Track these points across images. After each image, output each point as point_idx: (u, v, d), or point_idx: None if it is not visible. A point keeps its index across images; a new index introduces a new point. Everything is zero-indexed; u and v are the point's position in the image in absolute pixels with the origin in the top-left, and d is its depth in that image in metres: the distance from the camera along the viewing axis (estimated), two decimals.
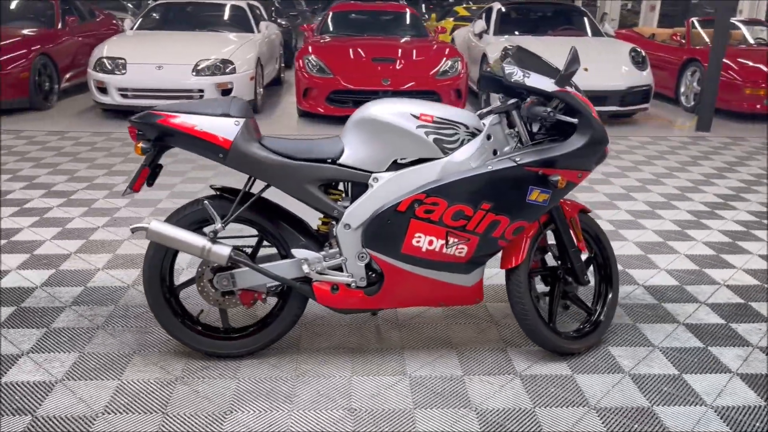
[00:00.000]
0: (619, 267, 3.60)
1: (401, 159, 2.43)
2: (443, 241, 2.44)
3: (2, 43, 7.38)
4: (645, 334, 2.89)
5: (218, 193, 2.53)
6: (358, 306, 2.54)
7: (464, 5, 12.99)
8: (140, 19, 8.74)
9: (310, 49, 7.71)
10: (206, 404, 2.31)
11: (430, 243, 2.44)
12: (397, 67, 7.37)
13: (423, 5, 18.74)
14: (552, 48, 7.43)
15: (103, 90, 7.22)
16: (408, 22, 9.09)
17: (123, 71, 7.14)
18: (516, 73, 2.42)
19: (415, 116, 2.41)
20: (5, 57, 7.25)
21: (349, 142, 2.44)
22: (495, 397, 2.41)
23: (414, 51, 7.74)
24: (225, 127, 2.36)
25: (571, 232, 2.66)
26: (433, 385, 2.47)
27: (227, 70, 7.33)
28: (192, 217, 2.47)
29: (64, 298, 3.05)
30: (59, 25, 8.51)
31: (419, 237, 2.43)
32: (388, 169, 2.44)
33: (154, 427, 2.18)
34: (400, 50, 7.73)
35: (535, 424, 2.26)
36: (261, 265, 2.46)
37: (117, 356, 2.60)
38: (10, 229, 3.90)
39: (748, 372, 2.61)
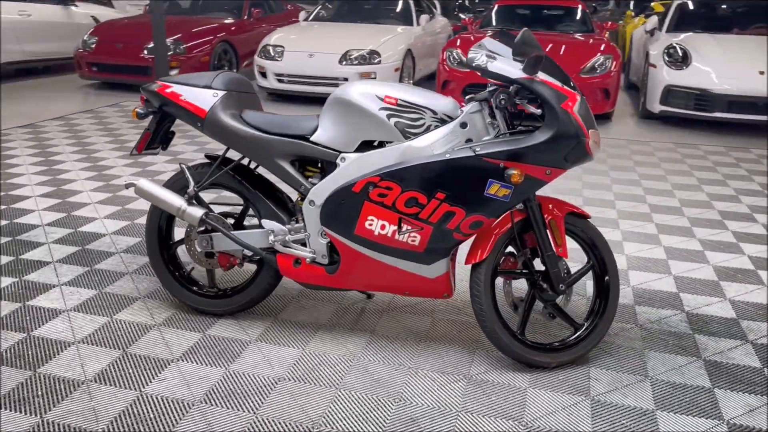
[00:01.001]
0: (673, 289, 3.17)
1: (373, 141, 2.43)
2: (395, 227, 2.40)
3: (191, 31, 8.46)
4: (646, 362, 2.54)
5: (209, 161, 2.73)
6: (319, 282, 2.59)
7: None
8: (315, 12, 9.41)
9: (458, 42, 7.72)
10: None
11: (383, 227, 2.41)
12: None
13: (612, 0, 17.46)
14: (741, 47, 6.68)
15: (263, 74, 7.94)
16: (574, 16, 8.65)
17: (280, 58, 7.79)
18: (479, 58, 2.28)
19: (379, 98, 2.39)
20: (192, 42, 8.30)
21: (323, 120, 2.50)
22: (427, 394, 2.32)
23: (564, 46, 7.37)
24: (204, 98, 2.56)
25: (550, 234, 2.44)
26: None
27: (373, 61, 7.63)
28: (183, 182, 2.71)
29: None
30: (245, 17, 9.49)
31: (372, 220, 2.41)
32: (358, 150, 2.45)
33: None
34: (550, 45, 7.40)
35: (449, 426, 2.14)
36: (233, 233, 2.63)
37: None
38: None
39: (743, 424, 2.19)
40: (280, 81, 7.84)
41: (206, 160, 2.78)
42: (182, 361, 2.46)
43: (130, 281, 3.10)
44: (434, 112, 2.37)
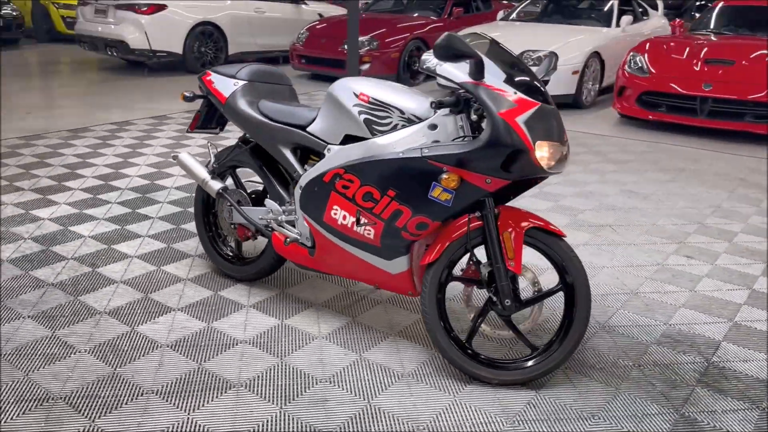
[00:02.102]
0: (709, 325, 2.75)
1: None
2: (354, 219, 2.50)
3: (386, 28, 9.01)
4: (606, 402, 2.30)
5: (240, 143, 3.08)
6: (303, 263, 2.79)
7: None
8: (513, 12, 9.35)
9: (647, 46, 7.11)
10: None
11: (344, 218, 2.53)
12: (730, 72, 6.24)
13: None
14: None
15: None
16: None
17: None
18: (430, 60, 2.27)
19: (355, 94, 2.51)
20: (385, 40, 8.85)
21: (320, 112, 2.69)
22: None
23: None
24: (226, 86, 2.91)
25: (504, 246, 2.33)
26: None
27: None
28: (219, 158, 3.10)
29: None
30: (445, 15, 9.78)
31: (336, 209, 2.55)
32: (342, 143, 2.60)
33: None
34: (752, 52, 6.46)
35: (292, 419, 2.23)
36: (243, 208, 2.95)
37: None
38: None
39: None
40: None
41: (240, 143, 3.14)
42: None
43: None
44: (402, 112, 2.42)
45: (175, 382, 2.36)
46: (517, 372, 2.38)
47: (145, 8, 9.02)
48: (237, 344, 2.62)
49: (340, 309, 2.93)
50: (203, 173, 3.03)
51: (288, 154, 2.78)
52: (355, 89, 2.52)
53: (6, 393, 2.25)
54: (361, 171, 2.45)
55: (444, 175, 2.22)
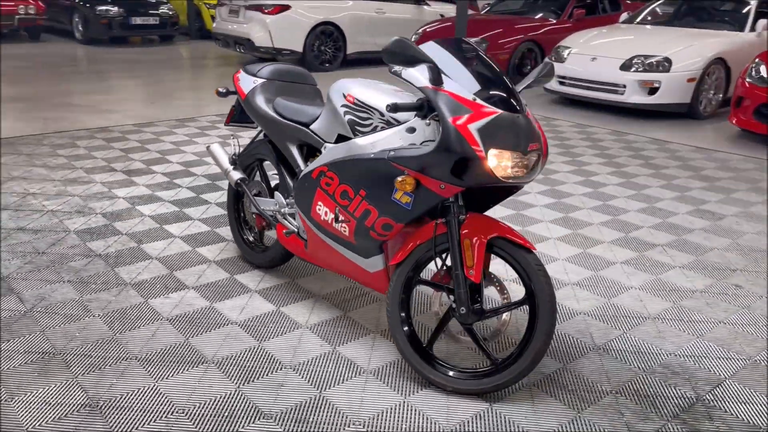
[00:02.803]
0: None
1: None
2: (333, 216, 2.58)
3: (498, 30, 8.88)
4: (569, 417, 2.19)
5: (264, 138, 3.25)
6: (300, 255, 2.92)
7: None
8: (636, 13, 8.81)
9: None
10: None
11: (326, 213, 2.61)
12: None
13: None
14: None
15: None
16: None
17: (565, 60, 7.64)
18: (397, 68, 2.28)
19: (344, 95, 2.58)
20: (496, 41, 8.73)
21: (322, 111, 2.80)
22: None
23: None
24: (247, 83, 3.09)
25: (464, 254, 2.29)
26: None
27: (659, 68, 6.91)
28: (249, 150, 3.30)
29: None
30: (565, 17, 9.43)
31: (320, 205, 2.64)
32: (336, 142, 2.69)
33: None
34: None
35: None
36: (256, 198, 3.12)
37: None
38: None
39: None
40: (561, 83, 7.71)
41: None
42: None
43: None
44: (382, 114, 2.46)
45: (157, 352, 2.58)
46: (471, 382, 2.34)
47: (270, 9, 9.61)
48: (227, 325, 2.80)
49: (338, 303, 3.01)
50: (226, 164, 3.25)
51: (294, 150, 2.91)
52: (344, 90, 2.59)
53: (18, 344, 2.60)
54: (340, 169, 2.52)
55: (399, 178, 2.24)
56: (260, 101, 3.04)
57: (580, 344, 2.71)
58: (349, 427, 2.18)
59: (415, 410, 2.27)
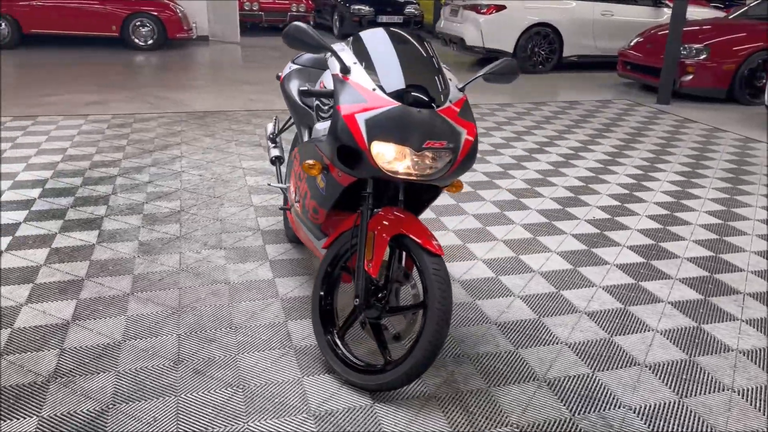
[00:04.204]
0: None
1: None
2: (295, 194, 2.70)
3: (727, 37, 7.74)
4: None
5: None
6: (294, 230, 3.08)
7: None
8: None
9: None
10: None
11: (294, 192, 2.74)
12: None
13: None
14: None
15: None
16: None
17: None
18: (328, 54, 2.30)
19: (321, 81, 2.67)
20: (724, 49, 7.64)
21: None
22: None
23: None
24: (287, 69, 3.31)
25: (366, 246, 2.24)
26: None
27: None
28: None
29: None
30: None
31: (290, 184, 2.77)
32: None
33: None
34: None
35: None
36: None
37: None
38: None
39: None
40: None
41: None
42: None
43: None
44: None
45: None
46: (359, 376, 2.29)
47: (486, 9, 9.66)
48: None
49: None
50: (268, 141, 3.54)
51: (305, 133, 3.08)
52: (322, 77, 2.69)
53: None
54: (300, 152, 2.64)
55: (307, 161, 2.29)
56: (290, 86, 3.26)
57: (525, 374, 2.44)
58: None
59: (300, 389, 2.31)
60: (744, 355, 2.62)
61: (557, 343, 2.64)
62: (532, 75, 9.70)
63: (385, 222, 2.25)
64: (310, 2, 14.70)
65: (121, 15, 10.76)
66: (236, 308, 2.81)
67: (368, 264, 2.24)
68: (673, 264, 3.41)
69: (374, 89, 2.11)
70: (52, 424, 2.07)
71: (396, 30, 2.41)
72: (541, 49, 9.81)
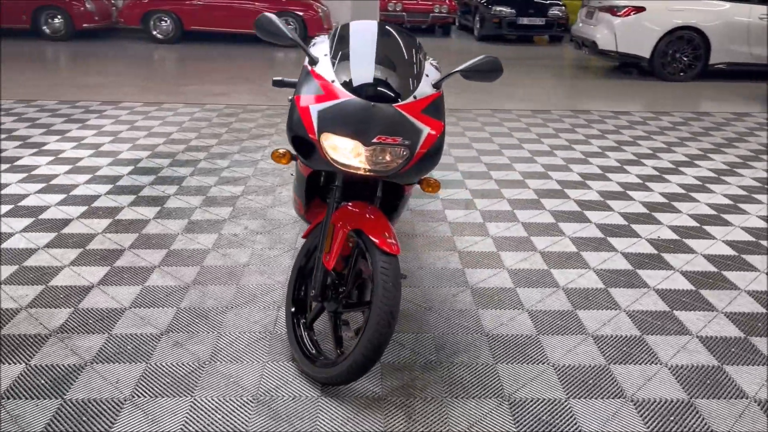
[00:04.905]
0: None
1: None
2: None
3: None
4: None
5: None
6: None
7: None
8: None
9: None
10: None
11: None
12: None
13: None
14: None
15: None
16: None
17: None
18: (313, 44, 2.32)
19: None
20: None
21: None
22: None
23: None
24: None
25: (327, 239, 2.24)
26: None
27: None
28: None
29: None
30: None
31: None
32: None
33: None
34: None
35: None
36: None
37: None
38: None
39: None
40: None
41: None
42: None
43: None
44: None
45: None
46: (311, 367, 2.28)
47: (623, 10, 9.09)
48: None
49: None
50: None
51: None
52: None
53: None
54: None
55: (280, 150, 2.33)
56: None
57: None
58: None
59: (258, 376, 2.37)
60: (758, 404, 2.27)
61: (543, 363, 2.46)
62: (671, 83, 8.96)
63: (347, 216, 2.24)
64: (453, 3, 14.71)
65: None
66: (241, 290, 2.93)
67: (326, 256, 2.25)
68: (727, 296, 3.02)
69: (333, 81, 2.11)
70: (34, 373, 2.31)
71: (389, 25, 2.40)
72: (684, 55, 9.03)
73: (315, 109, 2.09)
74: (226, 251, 3.32)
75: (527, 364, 2.46)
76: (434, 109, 2.15)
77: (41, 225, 3.56)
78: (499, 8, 13.45)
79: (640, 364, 2.48)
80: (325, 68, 2.17)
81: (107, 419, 2.09)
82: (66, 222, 3.62)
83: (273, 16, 2.21)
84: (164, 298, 2.84)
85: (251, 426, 2.08)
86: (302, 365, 2.33)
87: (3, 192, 4.04)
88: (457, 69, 2.24)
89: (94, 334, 2.56)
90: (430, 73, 2.25)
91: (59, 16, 11.16)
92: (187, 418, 2.11)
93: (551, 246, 3.51)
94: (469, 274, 3.15)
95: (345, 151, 2.07)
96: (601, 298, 2.96)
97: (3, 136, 5.32)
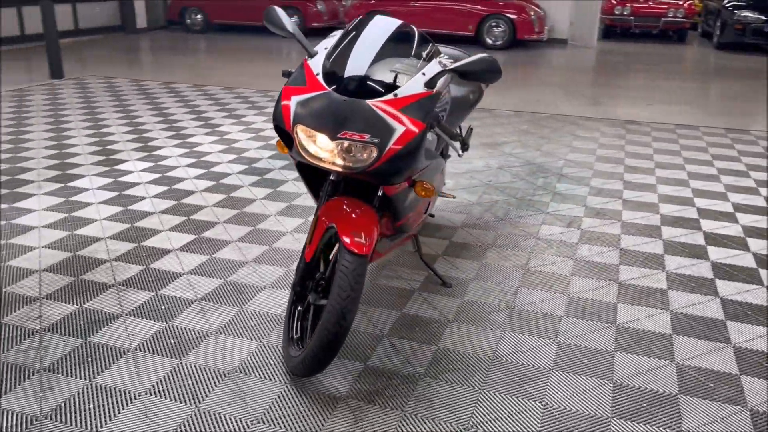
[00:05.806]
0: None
1: None
2: None
3: None
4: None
5: None
6: None
7: None
8: None
9: None
10: None
11: None
12: None
13: None
14: None
15: None
16: None
17: None
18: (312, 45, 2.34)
19: None
20: None
21: None
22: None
23: None
24: None
25: (310, 232, 2.25)
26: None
27: None
28: None
29: None
30: None
31: None
32: None
33: None
34: None
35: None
36: None
37: None
38: None
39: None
40: None
41: None
42: None
43: None
44: None
45: None
46: (286, 353, 2.31)
47: None
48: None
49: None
50: None
51: None
52: None
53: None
54: None
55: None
56: None
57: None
58: None
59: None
60: None
61: (534, 400, 2.21)
62: None
63: (331, 211, 2.23)
64: (693, 7, 13.29)
65: (479, 15, 11.53)
66: (289, 273, 3.07)
67: (306, 247, 2.27)
68: None
69: (317, 74, 2.13)
70: (78, 314, 2.69)
71: (409, 25, 2.34)
72: None
73: (295, 100, 2.13)
74: (299, 236, 3.49)
75: (516, 397, 2.23)
76: (418, 108, 2.05)
77: (170, 194, 4.07)
78: (744, 13, 11.85)
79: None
80: (316, 61, 2.19)
81: (103, 366, 2.36)
82: (190, 193, 4.09)
83: (278, 9, 2.29)
84: (220, 270, 3.09)
85: (216, 390, 2.20)
86: (283, 350, 2.38)
87: (161, 163, 4.69)
88: (449, 68, 2.11)
89: (145, 291, 2.89)
90: (429, 72, 2.14)
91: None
92: (165, 377, 2.30)
93: (637, 279, 3.08)
94: (520, 294, 2.92)
95: (314, 145, 2.07)
96: (663, 344, 2.55)
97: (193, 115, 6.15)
